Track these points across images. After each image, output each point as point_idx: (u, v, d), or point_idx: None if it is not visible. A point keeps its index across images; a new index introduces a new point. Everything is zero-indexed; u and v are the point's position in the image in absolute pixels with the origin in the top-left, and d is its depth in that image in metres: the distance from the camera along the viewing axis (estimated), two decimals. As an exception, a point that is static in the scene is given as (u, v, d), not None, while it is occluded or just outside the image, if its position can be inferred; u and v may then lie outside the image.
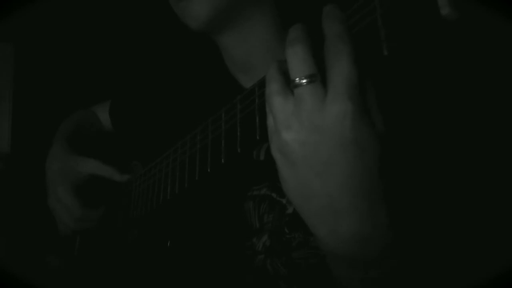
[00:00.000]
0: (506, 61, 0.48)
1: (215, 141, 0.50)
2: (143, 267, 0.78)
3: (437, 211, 0.48)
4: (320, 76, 0.35)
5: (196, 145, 0.55)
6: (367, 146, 0.35)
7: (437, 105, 0.51)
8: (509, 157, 0.48)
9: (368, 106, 0.36)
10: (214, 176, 0.51)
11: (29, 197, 0.89)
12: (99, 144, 0.94)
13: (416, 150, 0.49)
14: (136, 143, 0.86)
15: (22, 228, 1.22)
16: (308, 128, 0.35)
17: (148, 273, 0.77)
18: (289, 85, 0.37)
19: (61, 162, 0.81)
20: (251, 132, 0.43)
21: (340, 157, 0.35)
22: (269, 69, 0.40)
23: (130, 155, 0.90)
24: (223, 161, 0.47)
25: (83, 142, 0.88)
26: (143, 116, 0.83)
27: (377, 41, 0.32)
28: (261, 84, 0.43)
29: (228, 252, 0.64)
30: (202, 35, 0.64)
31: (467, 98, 0.50)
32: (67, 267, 0.91)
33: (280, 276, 0.59)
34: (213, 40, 0.66)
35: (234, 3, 0.59)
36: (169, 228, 0.73)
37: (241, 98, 0.47)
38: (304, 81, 0.35)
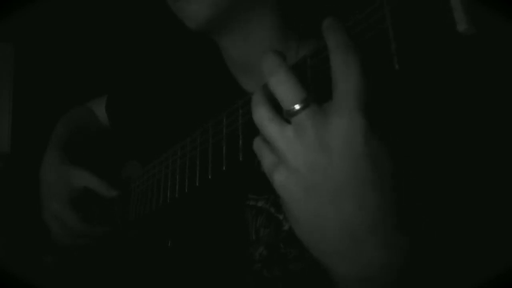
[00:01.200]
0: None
1: (216, 147, 0.49)
2: (143, 266, 0.78)
3: (441, 217, 0.47)
4: (312, 95, 0.34)
5: (196, 149, 0.54)
6: (380, 161, 0.32)
7: (443, 117, 0.50)
8: None
9: (377, 118, 0.33)
10: (214, 182, 0.51)
11: (29, 196, 0.88)
12: (96, 144, 0.93)
13: (423, 163, 0.47)
14: (133, 140, 0.86)
15: (22, 228, 1.22)
16: (316, 151, 0.33)
17: (148, 272, 0.77)
18: (280, 112, 0.35)
19: (56, 174, 0.80)
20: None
21: (353, 177, 0.32)
22: (254, 95, 0.38)
23: (128, 153, 0.90)
24: (224, 168, 0.47)
25: (79, 145, 0.87)
26: (141, 114, 0.82)
27: (387, 54, 0.30)
28: None
29: (227, 255, 0.64)
30: (202, 34, 0.63)
31: (475, 111, 0.49)
32: (65, 267, 0.91)
33: (278, 279, 0.59)
34: (212, 39, 0.66)
35: (235, 4, 0.57)
36: (169, 228, 0.73)
37: (243, 103, 0.46)
38: (298, 107, 0.33)
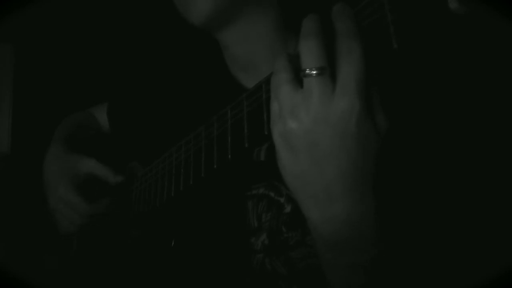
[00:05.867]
0: (507, 61, 0.48)
1: (221, 137, 0.50)
2: (146, 266, 0.78)
3: (432, 208, 0.49)
4: (329, 69, 0.36)
5: (201, 142, 0.55)
6: (367, 142, 0.37)
7: (439, 105, 0.51)
8: (509, 157, 0.49)
9: (373, 104, 0.37)
10: (219, 173, 0.52)
11: (29, 197, 0.89)
12: (97, 145, 0.94)
13: (415, 148, 0.49)
14: (134, 143, 0.86)
15: (22, 228, 1.22)
16: (314, 119, 0.37)
17: (151, 271, 0.77)
18: (298, 75, 0.38)
19: (60, 162, 0.81)
20: (259, 127, 0.43)
21: (340, 150, 0.37)
22: (278, 59, 0.40)
23: (129, 156, 0.90)
24: (229, 157, 0.48)
25: (81, 144, 0.88)
26: (141, 116, 0.83)
27: (386, 36, 0.32)
28: (268, 81, 0.43)
29: (227, 252, 0.65)
30: (202, 33, 0.64)
31: (468, 98, 0.51)
32: (64, 267, 0.91)
33: (279, 275, 0.60)
34: (214, 37, 0.66)
35: (236, 0, 0.59)
36: (172, 227, 0.73)
37: (248, 95, 0.47)
38: (314, 72, 0.36)
